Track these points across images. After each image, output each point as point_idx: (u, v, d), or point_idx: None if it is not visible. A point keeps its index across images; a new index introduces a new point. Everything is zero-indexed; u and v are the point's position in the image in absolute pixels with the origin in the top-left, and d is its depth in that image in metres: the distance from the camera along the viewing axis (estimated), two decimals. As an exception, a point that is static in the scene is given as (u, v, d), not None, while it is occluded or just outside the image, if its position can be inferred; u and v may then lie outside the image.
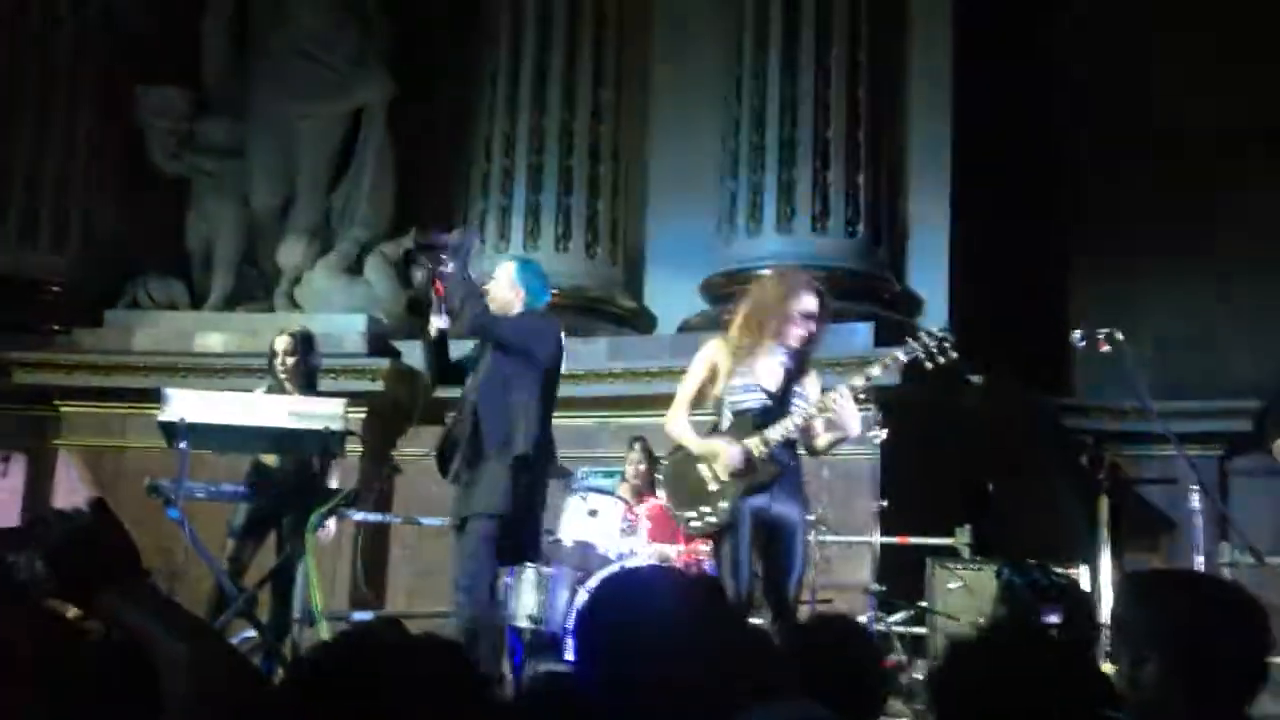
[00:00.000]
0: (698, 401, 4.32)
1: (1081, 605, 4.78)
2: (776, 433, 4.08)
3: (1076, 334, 4.61)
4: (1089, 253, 8.42)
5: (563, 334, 4.91)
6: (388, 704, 1.39)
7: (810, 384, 4.28)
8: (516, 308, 4.75)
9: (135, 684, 1.51)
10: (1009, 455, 4.93)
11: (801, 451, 4.27)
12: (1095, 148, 8.41)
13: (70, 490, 7.66)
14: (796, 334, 4.24)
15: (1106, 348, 4.56)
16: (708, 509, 4.10)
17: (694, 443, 4.20)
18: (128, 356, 7.83)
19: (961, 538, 6.16)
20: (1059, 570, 5.07)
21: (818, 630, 2.41)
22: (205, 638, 1.62)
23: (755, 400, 4.16)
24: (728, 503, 4.05)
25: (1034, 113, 8.30)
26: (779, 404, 4.14)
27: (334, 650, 1.50)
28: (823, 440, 4.24)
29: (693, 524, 4.17)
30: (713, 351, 4.30)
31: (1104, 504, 5.35)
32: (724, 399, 4.22)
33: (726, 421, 4.20)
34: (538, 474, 4.64)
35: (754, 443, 4.08)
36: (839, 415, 4.11)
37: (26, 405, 7.99)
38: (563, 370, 6.77)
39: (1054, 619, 4.59)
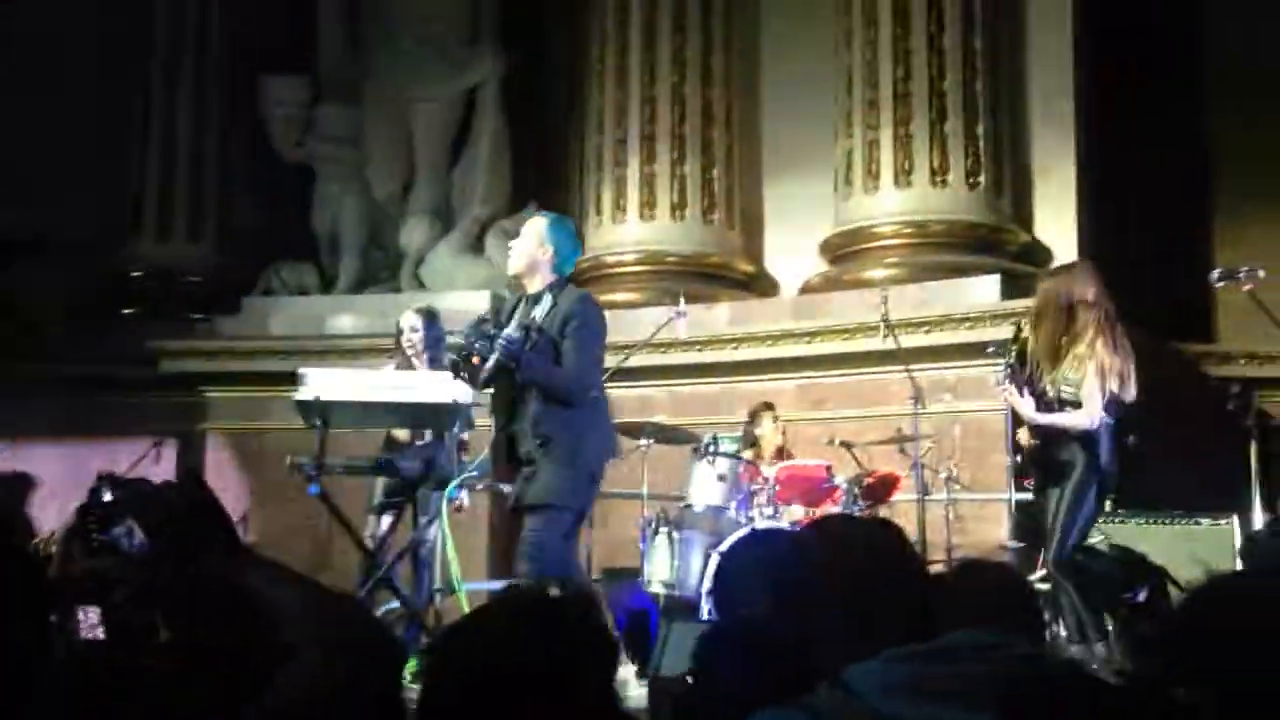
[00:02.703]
0: None
1: None
2: None
3: (1215, 273, 4.47)
4: (1228, 193, 8.05)
5: (601, 310, 4.68)
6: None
7: None
8: (544, 267, 4.49)
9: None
10: (1151, 405, 4.79)
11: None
12: (1233, 85, 8.01)
13: (219, 473, 7.99)
14: None
15: (1248, 286, 4.38)
16: None
17: None
18: (265, 341, 8.12)
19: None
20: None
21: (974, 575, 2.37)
22: (311, 585, 1.67)
23: None
24: None
25: (1165, 50, 7.94)
26: None
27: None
28: None
29: None
30: None
31: (1253, 451, 5.15)
32: None
33: None
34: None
35: None
36: None
37: (173, 391, 8.35)
38: (683, 336, 6.80)
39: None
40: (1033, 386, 4.64)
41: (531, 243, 4.51)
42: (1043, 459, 4.67)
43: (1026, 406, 4.63)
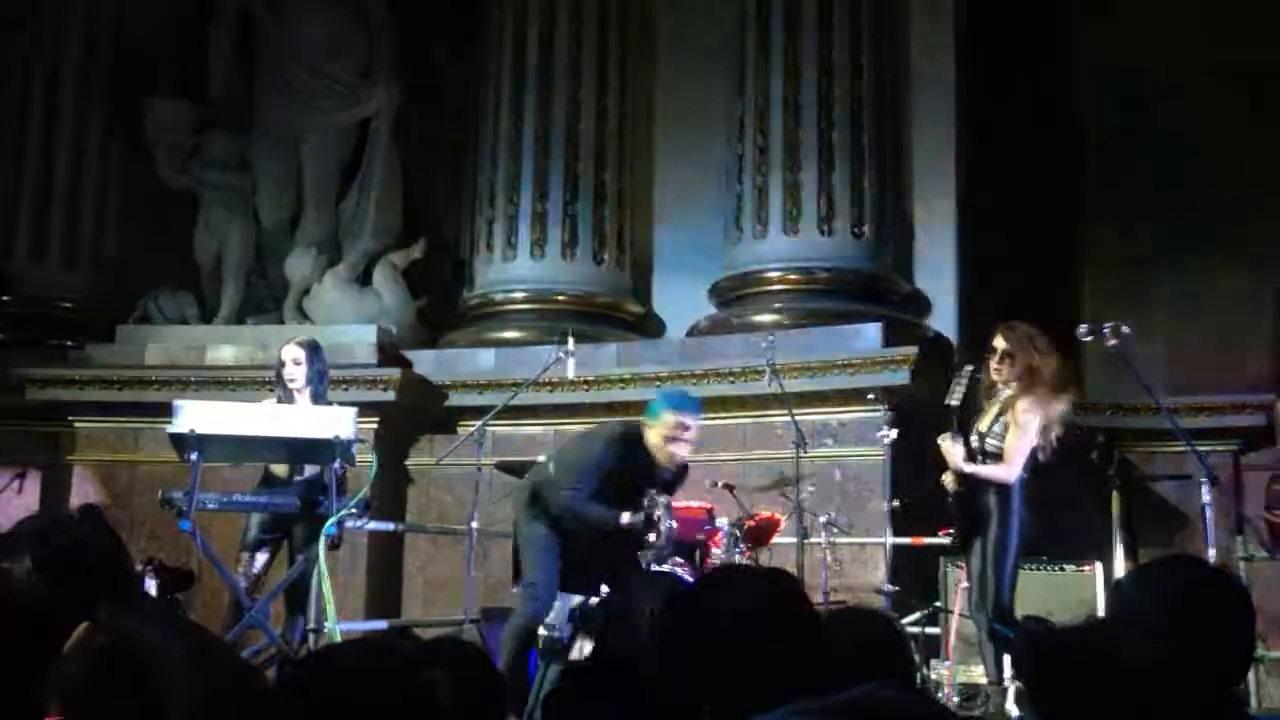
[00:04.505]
0: None
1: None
2: None
3: (1082, 328, 4.63)
4: (1098, 250, 8.40)
5: (620, 443, 5.15)
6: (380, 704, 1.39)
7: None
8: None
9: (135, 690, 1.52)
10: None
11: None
12: (1102, 144, 8.38)
13: (84, 504, 7.70)
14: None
15: (1113, 341, 4.56)
16: None
17: None
18: (140, 371, 7.87)
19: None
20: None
21: (851, 623, 2.41)
22: (201, 637, 1.63)
23: None
24: None
25: (1041, 110, 8.28)
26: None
27: (327, 654, 1.50)
28: None
29: None
30: None
31: (1116, 500, 5.35)
32: None
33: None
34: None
35: None
36: None
37: (40, 421, 8.04)
38: (571, 375, 6.84)
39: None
40: (965, 434, 4.76)
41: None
42: (966, 508, 4.78)
43: (956, 454, 4.76)
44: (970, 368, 4.84)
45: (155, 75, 8.76)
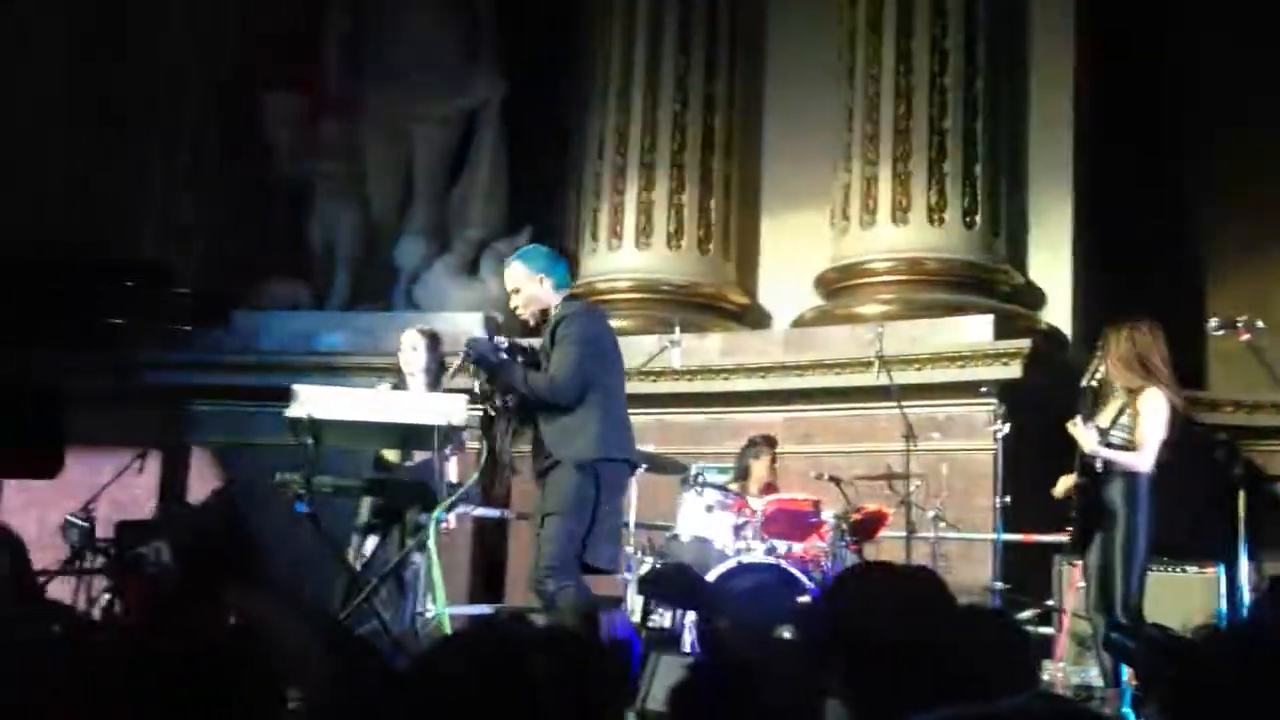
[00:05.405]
0: None
1: None
2: None
3: (1213, 322, 4.49)
4: (1226, 240, 8.08)
5: (604, 320, 4.79)
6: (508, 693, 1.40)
7: None
8: (550, 296, 4.59)
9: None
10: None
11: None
12: (1235, 130, 8.05)
13: (203, 486, 7.93)
14: None
15: (1246, 335, 4.40)
16: None
17: None
18: (253, 356, 8.08)
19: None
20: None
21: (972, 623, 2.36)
22: (329, 622, 1.66)
23: None
24: None
25: (1168, 91, 7.97)
26: None
27: (460, 641, 1.51)
28: None
29: None
30: None
31: (1240, 501, 5.15)
32: None
33: None
34: (612, 473, 4.52)
35: None
36: None
37: (160, 404, 8.29)
38: (676, 365, 6.79)
39: None
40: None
41: (525, 285, 4.61)
42: (1088, 503, 4.67)
43: (1090, 438, 4.64)
44: (1113, 349, 4.70)
45: (271, 68, 8.96)
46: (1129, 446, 4.64)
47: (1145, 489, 4.61)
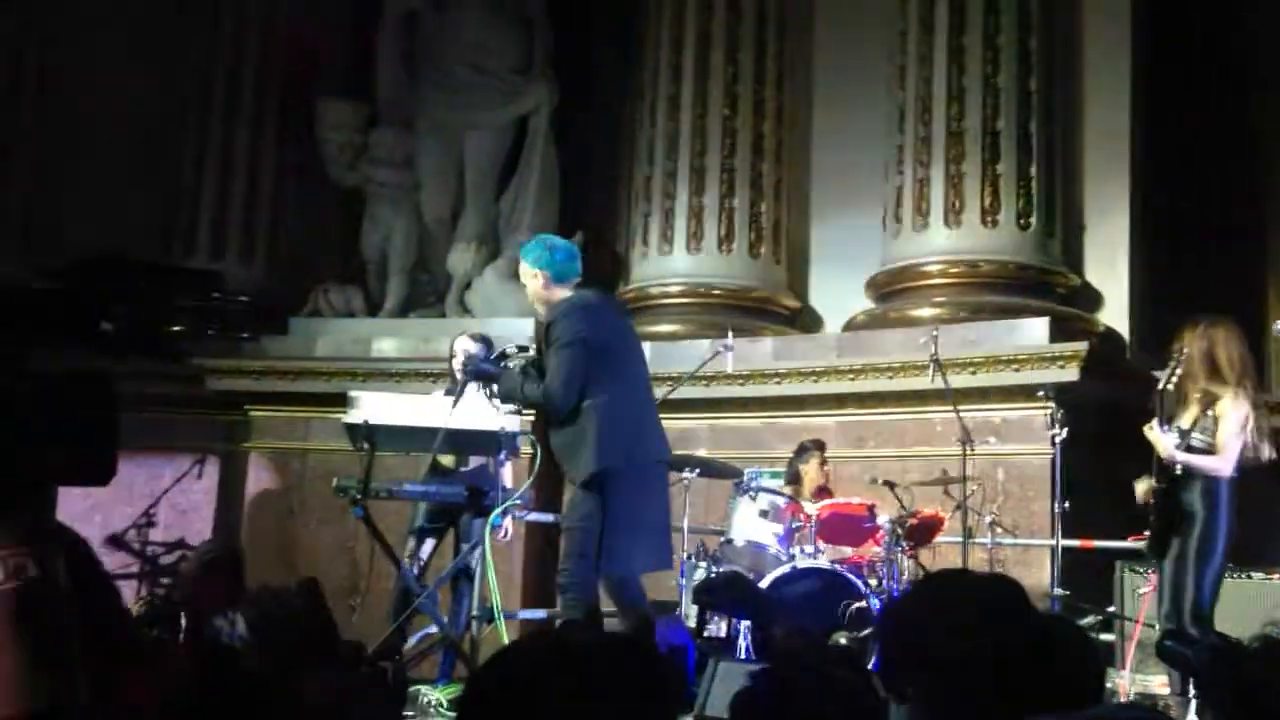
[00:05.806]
0: None
1: None
2: None
3: (1278, 325, 4.41)
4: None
5: (600, 314, 4.59)
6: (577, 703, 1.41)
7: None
8: (551, 291, 4.51)
9: None
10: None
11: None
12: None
13: (259, 491, 8.04)
14: None
15: (1308, 337, 4.33)
16: None
17: None
18: (310, 363, 8.16)
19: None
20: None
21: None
22: (399, 707, 1.69)
23: None
24: None
25: (1229, 90, 7.84)
26: None
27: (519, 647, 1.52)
28: None
29: None
30: None
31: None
32: None
33: None
34: (624, 480, 4.36)
35: None
36: None
37: (218, 410, 8.42)
38: (729, 369, 6.77)
39: None
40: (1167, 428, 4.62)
41: (528, 283, 4.61)
42: (1166, 507, 4.61)
43: (1168, 443, 4.57)
44: (1187, 350, 4.62)
45: (324, 76, 9.07)
46: (1210, 450, 4.57)
47: (1226, 493, 4.54)
